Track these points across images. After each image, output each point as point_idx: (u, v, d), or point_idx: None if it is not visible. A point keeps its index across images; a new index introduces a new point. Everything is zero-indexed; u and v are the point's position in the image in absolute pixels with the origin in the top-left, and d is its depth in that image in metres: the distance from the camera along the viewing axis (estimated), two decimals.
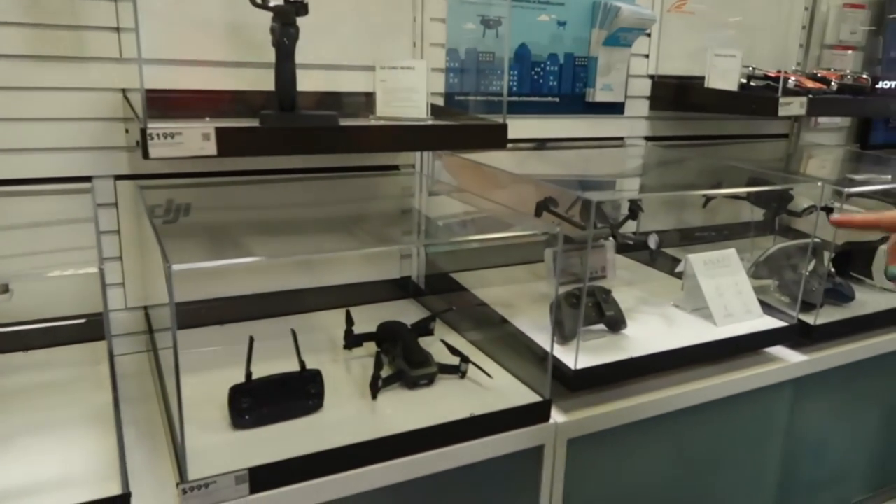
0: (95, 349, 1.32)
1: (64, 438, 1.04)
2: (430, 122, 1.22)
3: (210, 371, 1.25)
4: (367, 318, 1.39)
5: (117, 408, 0.87)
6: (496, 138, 1.21)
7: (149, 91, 1.29)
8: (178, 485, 0.92)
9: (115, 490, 0.90)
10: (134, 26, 1.03)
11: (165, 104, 1.30)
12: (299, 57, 1.36)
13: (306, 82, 1.42)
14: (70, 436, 1.04)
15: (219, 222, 1.45)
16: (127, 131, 1.30)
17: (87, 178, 1.31)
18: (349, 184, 1.58)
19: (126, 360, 1.37)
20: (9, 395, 1.15)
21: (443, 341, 1.30)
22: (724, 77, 1.76)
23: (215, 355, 1.32)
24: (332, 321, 1.49)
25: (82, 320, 1.34)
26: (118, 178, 1.33)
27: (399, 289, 1.68)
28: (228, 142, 1.00)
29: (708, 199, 1.94)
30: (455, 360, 1.26)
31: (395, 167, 1.61)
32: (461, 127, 1.24)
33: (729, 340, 1.41)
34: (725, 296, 1.50)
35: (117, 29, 1.26)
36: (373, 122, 1.21)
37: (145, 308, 1.42)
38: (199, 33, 1.33)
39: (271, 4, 1.18)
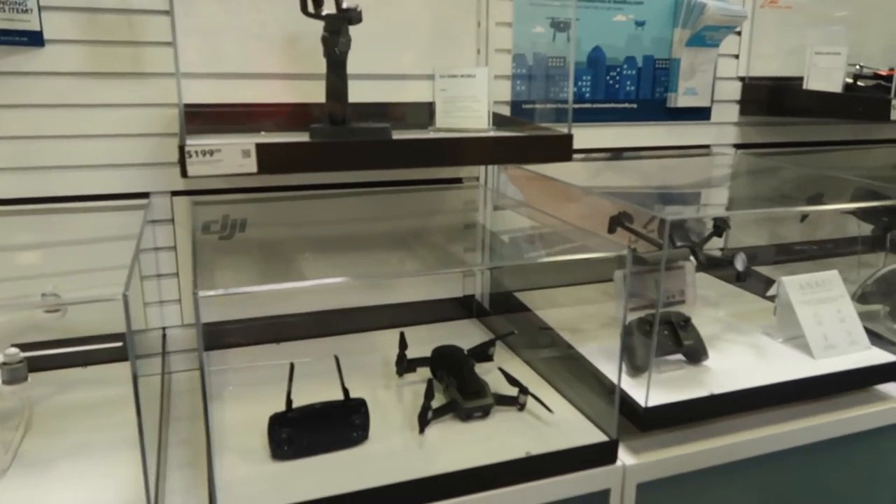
0: (152, 364, 1.31)
1: (104, 461, 1.02)
2: (487, 135, 1.13)
3: (259, 392, 1.21)
4: (427, 339, 1.32)
5: (142, 436, 0.83)
6: (560, 150, 1.11)
7: (204, 105, 1.29)
8: None
9: None
10: (178, 41, 1.00)
11: (220, 118, 1.29)
12: (360, 67, 1.31)
13: (368, 93, 1.37)
14: (111, 458, 1.02)
15: (275, 238, 1.42)
16: None
17: (146, 195, 1.31)
18: (411, 198, 1.52)
19: (182, 377, 1.36)
20: (59, 413, 1.15)
21: (500, 369, 1.21)
22: (827, 77, 1.57)
23: (267, 375, 1.28)
24: (390, 341, 1.41)
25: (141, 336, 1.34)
26: (175, 193, 1.32)
27: (462, 308, 1.60)
28: (269, 158, 0.95)
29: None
30: (513, 391, 1.17)
31: (459, 180, 1.53)
32: (522, 139, 1.14)
33: (829, 376, 1.24)
34: (825, 324, 1.32)
35: (173, 43, 1.25)
36: (424, 136, 1.14)
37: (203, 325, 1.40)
38: (257, 45, 1.30)
39: (323, 13, 1.13)
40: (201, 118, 1.27)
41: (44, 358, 1.26)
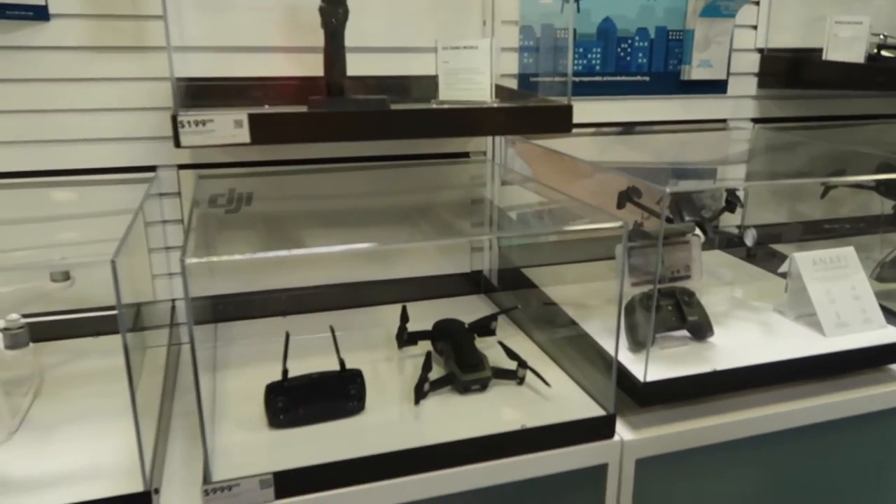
0: (160, 336, 1.33)
1: (106, 427, 1.04)
2: (485, 106, 1.12)
3: (262, 363, 1.23)
4: (434, 314, 1.32)
5: (135, 405, 0.85)
6: (559, 121, 1.09)
7: (209, 79, 1.30)
8: (202, 486, 0.89)
9: (139, 486, 0.88)
10: (176, 14, 1.01)
11: (226, 92, 1.29)
12: (366, 40, 1.30)
13: (374, 66, 1.37)
14: (113, 425, 1.04)
15: (281, 212, 1.43)
16: None
17: (153, 168, 1.32)
18: (418, 172, 1.51)
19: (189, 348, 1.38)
20: (69, 381, 1.18)
21: (501, 343, 1.20)
22: (848, 47, 1.52)
23: (271, 346, 1.29)
24: (396, 315, 1.42)
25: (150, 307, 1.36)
26: (181, 167, 1.33)
27: (470, 283, 1.59)
28: (261, 129, 0.95)
29: (827, 188, 1.70)
30: (513, 365, 1.16)
31: (465, 154, 1.52)
32: (519, 109, 1.12)
33: (840, 354, 1.21)
34: (838, 301, 1.29)
35: (177, 18, 1.26)
36: (420, 106, 1.13)
37: (210, 298, 1.42)
38: (262, 19, 1.30)
39: None
40: (206, 92, 1.28)
41: (56, 327, 1.30)
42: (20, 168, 1.25)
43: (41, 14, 1.18)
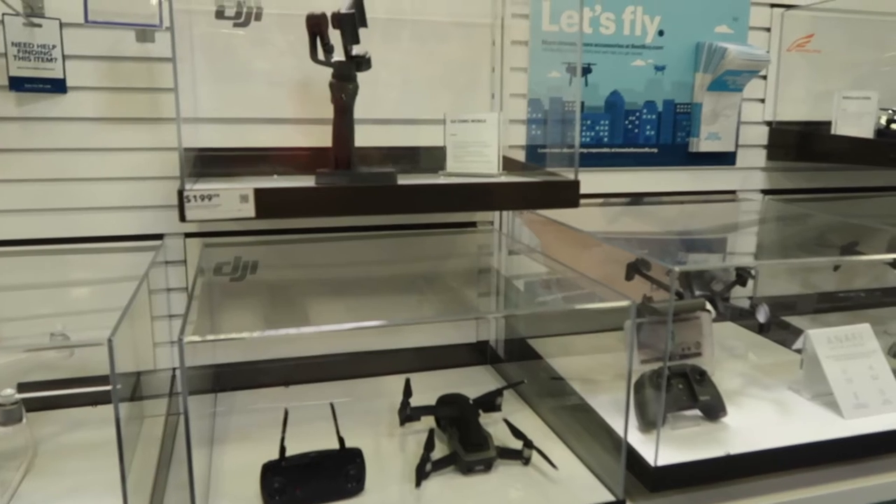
0: (159, 405, 1.31)
1: (97, 503, 1.01)
2: (492, 181, 1.12)
3: (261, 436, 1.19)
4: (439, 386, 1.30)
5: (124, 483, 0.82)
6: (567, 197, 1.09)
7: (220, 150, 1.32)
8: None
9: None
10: (190, 86, 1.03)
11: (235, 162, 1.31)
12: (375, 111, 1.32)
13: (383, 137, 1.38)
14: (104, 500, 1.01)
15: (286, 281, 1.43)
16: None
17: (160, 236, 1.33)
18: (425, 241, 1.51)
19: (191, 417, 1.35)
20: (63, 453, 1.15)
21: (506, 421, 1.17)
22: (857, 122, 1.52)
23: (271, 418, 1.26)
24: (400, 387, 1.40)
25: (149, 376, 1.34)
26: (188, 235, 1.34)
27: (477, 354, 1.56)
28: (267, 203, 0.95)
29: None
30: (518, 444, 1.12)
31: (473, 224, 1.52)
32: (526, 185, 1.12)
33: (860, 438, 1.16)
34: (856, 381, 1.25)
35: (192, 90, 1.28)
36: (427, 181, 1.13)
37: (213, 367, 1.40)
38: (272, 91, 1.33)
39: (333, 60, 1.15)
40: (218, 161, 1.29)
41: (53, 397, 1.28)
42: (34, 236, 1.26)
43: (59, 87, 1.21)
